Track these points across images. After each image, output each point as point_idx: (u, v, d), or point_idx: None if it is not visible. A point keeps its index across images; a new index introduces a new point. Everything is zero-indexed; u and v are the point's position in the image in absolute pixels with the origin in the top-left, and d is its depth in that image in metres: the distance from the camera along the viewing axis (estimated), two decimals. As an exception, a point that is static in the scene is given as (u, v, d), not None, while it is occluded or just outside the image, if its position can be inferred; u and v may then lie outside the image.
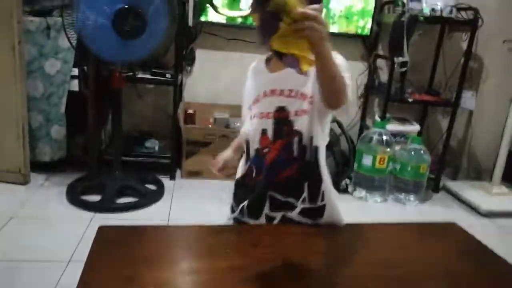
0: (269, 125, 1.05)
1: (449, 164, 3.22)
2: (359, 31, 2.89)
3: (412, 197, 2.74)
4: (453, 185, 2.97)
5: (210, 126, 2.84)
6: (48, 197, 2.32)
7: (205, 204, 2.42)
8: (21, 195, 2.31)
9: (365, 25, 2.87)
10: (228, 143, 2.96)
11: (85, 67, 2.43)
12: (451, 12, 2.68)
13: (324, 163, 1.08)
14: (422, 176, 2.72)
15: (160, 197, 2.45)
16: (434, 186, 2.95)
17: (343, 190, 2.81)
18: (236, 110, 2.93)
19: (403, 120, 2.98)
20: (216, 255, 0.95)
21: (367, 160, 2.69)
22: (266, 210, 1.11)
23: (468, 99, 2.89)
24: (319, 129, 1.05)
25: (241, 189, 1.17)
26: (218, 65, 2.94)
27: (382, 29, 2.92)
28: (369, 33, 2.90)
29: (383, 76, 3.04)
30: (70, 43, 2.14)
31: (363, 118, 3.14)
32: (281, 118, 1.04)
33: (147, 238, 1.01)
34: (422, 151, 2.70)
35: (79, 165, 2.59)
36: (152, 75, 2.61)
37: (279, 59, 0.92)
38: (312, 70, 0.88)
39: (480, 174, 3.25)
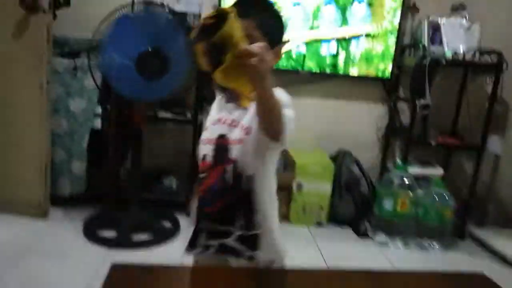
0: (210, 150, 1.08)
1: (475, 209, 3.08)
2: (380, 74, 2.90)
3: (436, 244, 2.62)
4: (480, 233, 2.83)
5: (228, 165, 2.83)
6: (65, 231, 2.33)
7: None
8: (39, 229, 2.33)
9: (385, 68, 2.88)
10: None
11: (108, 106, 2.50)
12: (474, 56, 2.66)
13: (262, 193, 1.07)
14: (446, 221, 2.61)
15: (176, 235, 2.43)
16: (460, 233, 2.82)
17: (363, 234, 2.72)
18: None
19: (425, 163, 2.90)
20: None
21: (388, 204, 2.61)
22: (202, 240, 1.10)
23: (494, 144, 2.81)
24: (256, 160, 1.05)
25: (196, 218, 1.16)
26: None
27: (403, 71, 2.92)
28: (389, 76, 2.90)
29: (405, 118, 3.01)
30: (95, 82, 2.22)
31: (383, 160, 3.08)
32: (221, 144, 1.07)
33: (160, 279, 0.98)
34: (445, 195, 2.61)
35: (97, 200, 2.61)
36: (172, 114, 2.66)
37: (222, 92, 0.92)
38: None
39: (509, 221, 3.10)
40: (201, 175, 1.09)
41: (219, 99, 1.15)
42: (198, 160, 1.12)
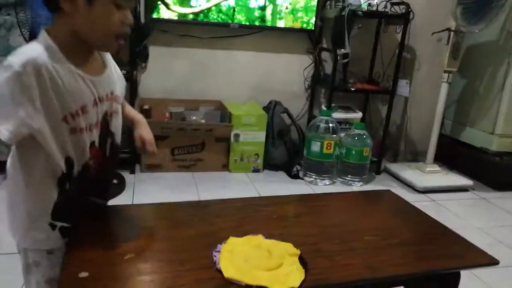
0: (96, 136, 0.99)
1: (389, 147, 3.52)
2: (305, 25, 3.09)
3: (357, 179, 2.98)
4: (393, 167, 3.26)
5: (166, 120, 2.92)
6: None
7: (165, 195, 2.52)
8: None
9: (309, 20, 3.08)
10: (185, 135, 3.05)
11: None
12: (385, 7, 2.95)
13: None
14: (365, 159, 2.97)
15: (122, 190, 2.52)
16: (376, 168, 3.23)
17: (295, 176, 3.01)
18: (191, 104, 3.05)
19: (347, 109, 3.22)
20: (185, 225, 1.08)
21: (315, 147, 2.90)
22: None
23: (403, 87, 3.18)
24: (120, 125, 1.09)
25: (63, 213, 1.00)
26: (170, 61, 3.03)
27: (325, 23, 3.14)
28: (313, 28, 3.11)
29: (328, 68, 3.27)
30: (25, 39, 2.15)
31: (310, 108, 3.36)
32: (105, 123, 1.01)
33: (122, 216, 1.12)
34: (364, 136, 2.95)
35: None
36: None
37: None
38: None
39: (416, 156, 3.59)
40: (90, 162, 0.99)
41: (53, 66, 0.86)
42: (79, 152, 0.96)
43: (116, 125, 1.06)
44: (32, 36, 2.19)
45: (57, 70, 0.86)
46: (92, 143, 0.98)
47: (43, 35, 0.89)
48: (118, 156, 1.12)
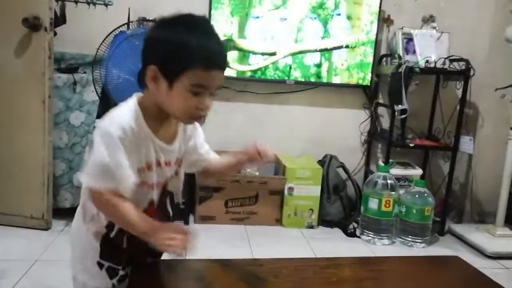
0: (155, 195, 1.06)
1: (453, 207, 3.30)
2: (360, 81, 3.10)
3: (418, 240, 2.80)
4: (458, 228, 3.04)
5: (221, 172, 2.97)
6: (68, 241, 2.41)
7: (218, 248, 2.50)
8: (44, 240, 2.41)
9: (365, 76, 3.09)
10: (240, 187, 3.05)
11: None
12: (444, 63, 2.90)
13: None
14: (427, 218, 2.80)
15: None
16: (440, 229, 3.02)
17: (351, 234, 2.89)
18: (246, 157, 3.10)
19: (406, 165, 3.11)
20: (242, 284, 1.05)
21: (373, 204, 2.79)
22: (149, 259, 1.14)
23: (466, 144, 3.03)
24: (181, 185, 1.16)
25: (113, 247, 1.06)
26: (228, 115, 3.14)
27: (381, 79, 3.13)
28: (369, 83, 3.11)
29: (385, 123, 3.21)
30: (98, 96, 2.34)
31: (367, 163, 3.28)
32: (163, 185, 1.09)
33: (177, 271, 1.12)
34: (426, 194, 2.80)
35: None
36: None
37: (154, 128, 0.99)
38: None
39: (483, 216, 3.33)
40: None
41: (138, 130, 0.97)
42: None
43: (176, 185, 1.14)
44: (103, 92, 2.38)
45: (138, 132, 0.97)
46: (151, 202, 1.06)
47: (133, 100, 1.01)
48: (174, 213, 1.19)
